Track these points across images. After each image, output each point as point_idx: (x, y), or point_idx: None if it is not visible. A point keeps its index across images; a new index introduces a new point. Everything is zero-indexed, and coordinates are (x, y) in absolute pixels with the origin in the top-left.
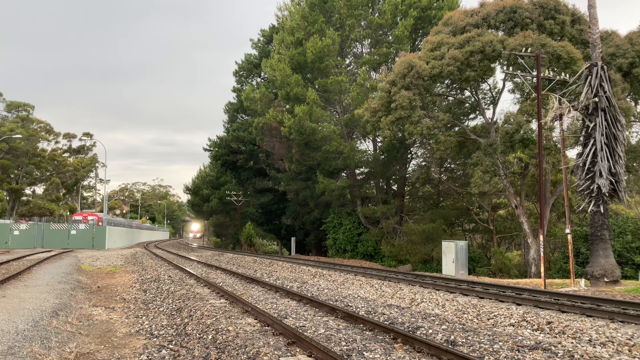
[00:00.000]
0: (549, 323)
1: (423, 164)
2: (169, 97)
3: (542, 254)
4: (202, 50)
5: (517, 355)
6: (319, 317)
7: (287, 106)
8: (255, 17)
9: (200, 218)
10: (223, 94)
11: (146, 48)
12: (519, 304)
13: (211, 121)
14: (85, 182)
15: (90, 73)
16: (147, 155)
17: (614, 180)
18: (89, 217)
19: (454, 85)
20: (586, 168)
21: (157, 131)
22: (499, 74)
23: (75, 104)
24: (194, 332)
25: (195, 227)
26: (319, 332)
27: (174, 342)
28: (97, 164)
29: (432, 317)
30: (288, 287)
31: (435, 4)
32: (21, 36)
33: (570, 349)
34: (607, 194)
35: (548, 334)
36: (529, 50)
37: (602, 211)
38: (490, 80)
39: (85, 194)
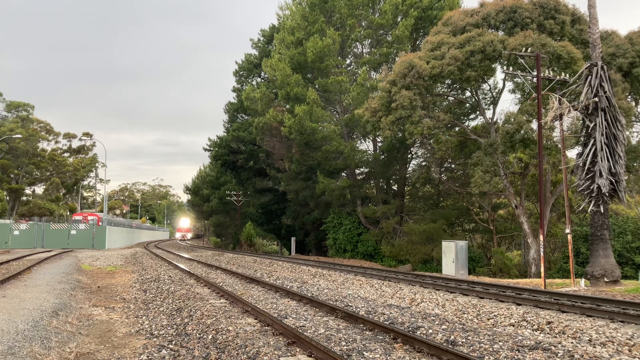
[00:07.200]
0: (549, 323)
1: (423, 164)
2: (173, 99)
3: (542, 254)
4: (208, 52)
5: (517, 355)
6: (319, 317)
7: (287, 106)
8: (259, 19)
9: (199, 217)
10: (226, 94)
11: (152, 50)
12: (519, 304)
13: (214, 122)
14: (85, 182)
15: (95, 75)
16: (150, 155)
17: (614, 180)
18: (89, 217)
19: (455, 85)
20: (586, 168)
21: (161, 132)
22: (499, 74)
23: (80, 106)
24: (194, 332)
25: (184, 224)
26: (319, 332)
27: (174, 342)
28: (97, 164)
29: (432, 317)
30: (288, 287)
31: (436, 4)
32: (27, 38)
33: (570, 349)
34: (607, 194)
35: (548, 333)
36: (529, 50)
37: (602, 211)
38: (490, 80)
39: (85, 194)
